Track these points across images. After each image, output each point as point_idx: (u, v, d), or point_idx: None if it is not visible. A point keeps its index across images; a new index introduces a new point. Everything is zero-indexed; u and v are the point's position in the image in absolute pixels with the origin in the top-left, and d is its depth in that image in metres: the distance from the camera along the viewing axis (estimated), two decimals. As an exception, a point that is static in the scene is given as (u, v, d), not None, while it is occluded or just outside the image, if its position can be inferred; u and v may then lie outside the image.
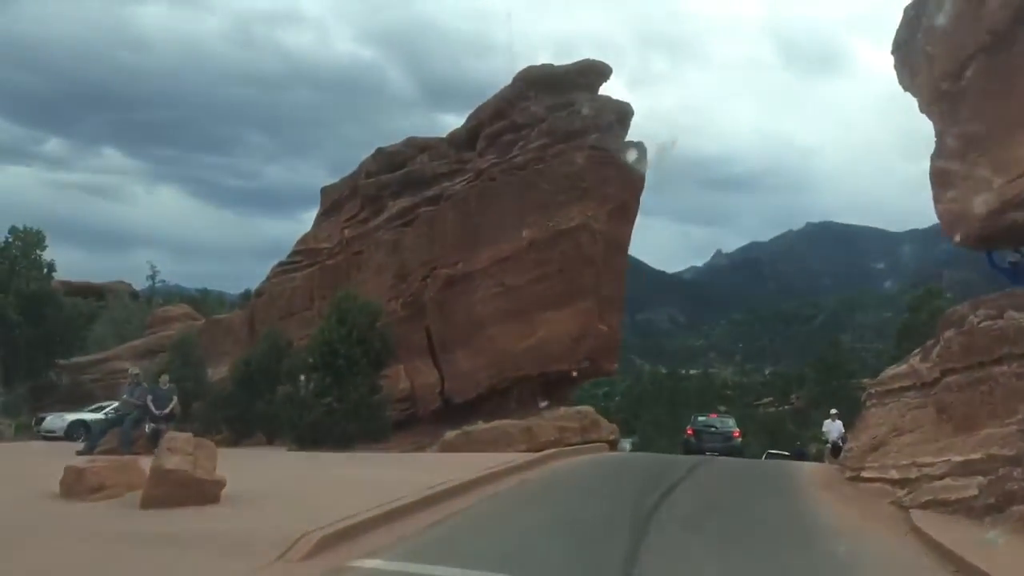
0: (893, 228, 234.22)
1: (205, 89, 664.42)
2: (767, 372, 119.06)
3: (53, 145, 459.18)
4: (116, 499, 9.24)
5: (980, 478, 8.91)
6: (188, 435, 9.55)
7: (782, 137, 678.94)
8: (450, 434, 20.15)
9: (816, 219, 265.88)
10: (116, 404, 24.62)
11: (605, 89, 26.45)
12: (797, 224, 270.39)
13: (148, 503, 8.66)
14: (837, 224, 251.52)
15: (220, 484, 9.03)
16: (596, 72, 25.88)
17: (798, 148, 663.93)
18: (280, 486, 10.86)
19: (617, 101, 25.75)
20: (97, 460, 10.91)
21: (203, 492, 8.82)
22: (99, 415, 24.07)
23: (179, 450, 8.95)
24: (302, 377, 20.64)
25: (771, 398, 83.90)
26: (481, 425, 20.80)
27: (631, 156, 24.41)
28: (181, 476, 8.69)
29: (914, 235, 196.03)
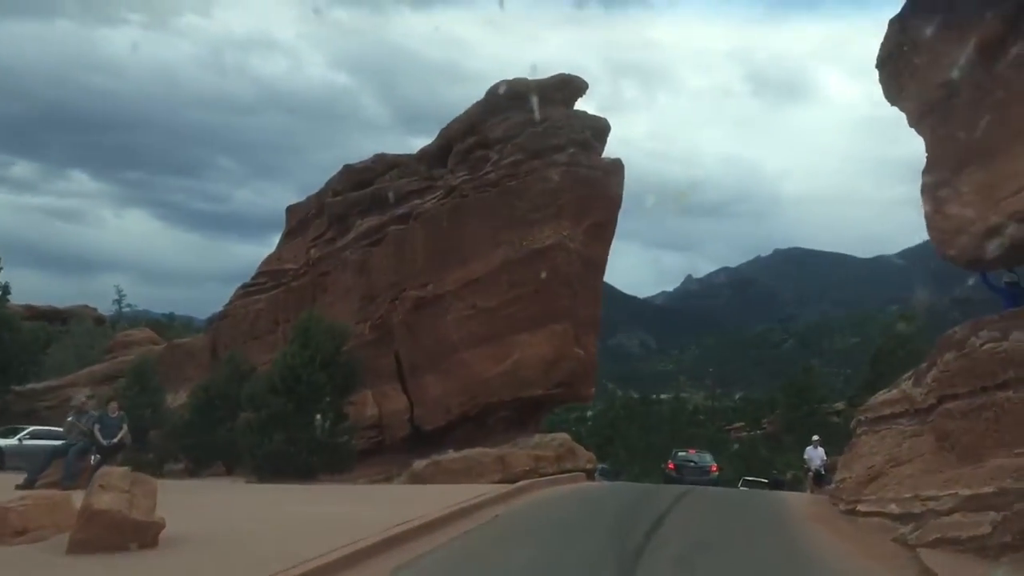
0: (861, 254, 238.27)
1: (176, 113, 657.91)
2: (737, 397, 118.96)
3: (20, 168, 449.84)
4: (41, 543, 8.24)
5: (993, 514, 8.25)
6: (124, 470, 8.58)
7: (751, 164, 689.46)
8: (419, 464, 19.28)
9: (784, 245, 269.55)
10: (31, 430, 23.45)
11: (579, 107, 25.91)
12: (766, 250, 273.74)
13: (75, 548, 7.68)
14: (804, 250, 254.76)
15: (159, 525, 8.06)
16: (572, 87, 25.21)
17: (767, 175, 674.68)
18: (228, 526, 9.88)
19: (593, 116, 25.18)
20: (28, 496, 9.84)
21: (139, 535, 7.84)
22: (12, 440, 22.71)
23: (113, 487, 7.97)
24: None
25: (742, 423, 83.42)
26: (452, 454, 19.92)
27: (608, 173, 23.82)
28: (113, 517, 7.72)
29: (881, 261, 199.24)
